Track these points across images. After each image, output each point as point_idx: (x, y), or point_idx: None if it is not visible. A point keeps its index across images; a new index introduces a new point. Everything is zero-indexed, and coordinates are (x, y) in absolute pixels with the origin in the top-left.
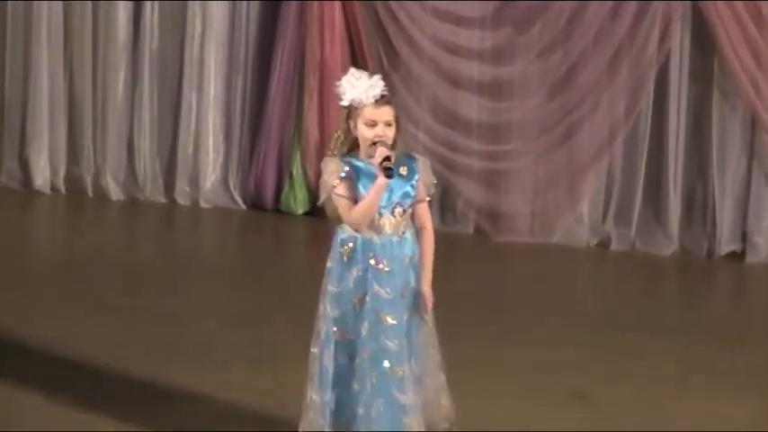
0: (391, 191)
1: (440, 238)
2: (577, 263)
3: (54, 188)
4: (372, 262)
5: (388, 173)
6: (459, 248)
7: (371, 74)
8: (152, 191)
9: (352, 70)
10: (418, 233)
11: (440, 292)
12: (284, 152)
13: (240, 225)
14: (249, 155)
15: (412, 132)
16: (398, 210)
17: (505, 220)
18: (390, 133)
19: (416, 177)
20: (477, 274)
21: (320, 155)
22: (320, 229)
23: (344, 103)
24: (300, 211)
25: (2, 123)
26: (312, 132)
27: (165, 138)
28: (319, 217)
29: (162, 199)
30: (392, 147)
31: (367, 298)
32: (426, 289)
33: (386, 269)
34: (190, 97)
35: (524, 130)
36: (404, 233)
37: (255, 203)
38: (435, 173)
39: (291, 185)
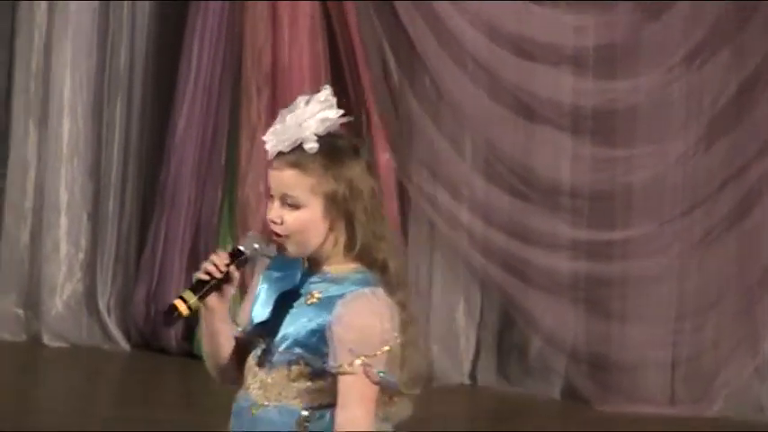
0: (283, 318)
1: (502, 404)
2: None
3: None
4: None
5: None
6: (535, 425)
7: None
8: None
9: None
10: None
11: None
12: (200, 242)
13: (119, 382)
14: (136, 250)
15: (442, 206)
16: (281, 362)
17: (621, 373)
18: (300, 222)
19: (326, 320)
20: None
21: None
22: None
23: None
24: None
25: None
26: (256, 205)
27: None
28: None
29: None
30: (320, 255)
31: None
32: None
33: None
34: (24, 141)
35: (659, 200)
36: (307, 411)
37: (148, 340)
38: (492, 283)
39: None
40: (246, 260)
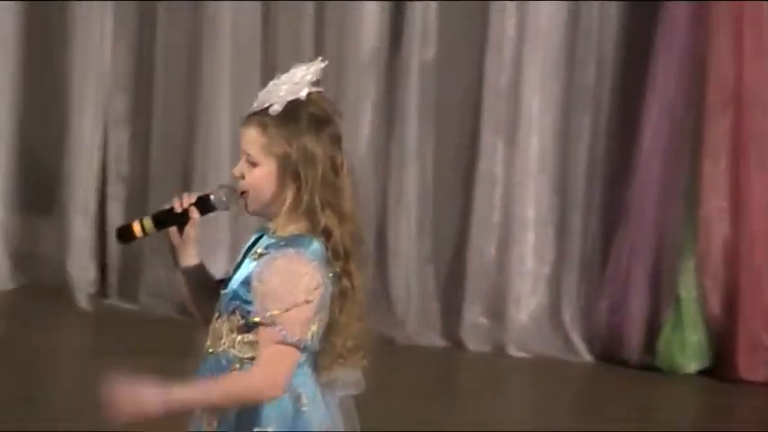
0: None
1: None
2: None
3: None
4: None
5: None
6: None
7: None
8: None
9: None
10: None
11: None
12: (662, 258)
13: (576, 393)
14: (600, 265)
15: None
16: (225, 312)
17: None
18: (254, 179)
19: (251, 271)
20: None
21: (733, 263)
22: (735, 401)
23: None
24: (692, 367)
25: None
26: (717, 223)
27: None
28: (726, 381)
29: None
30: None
31: None
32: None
33: None
34: (492, 157)
35: None
36: (238, 362)
37: (610, 353)
38: None
39: (677, 320)
40: (212, 208)
